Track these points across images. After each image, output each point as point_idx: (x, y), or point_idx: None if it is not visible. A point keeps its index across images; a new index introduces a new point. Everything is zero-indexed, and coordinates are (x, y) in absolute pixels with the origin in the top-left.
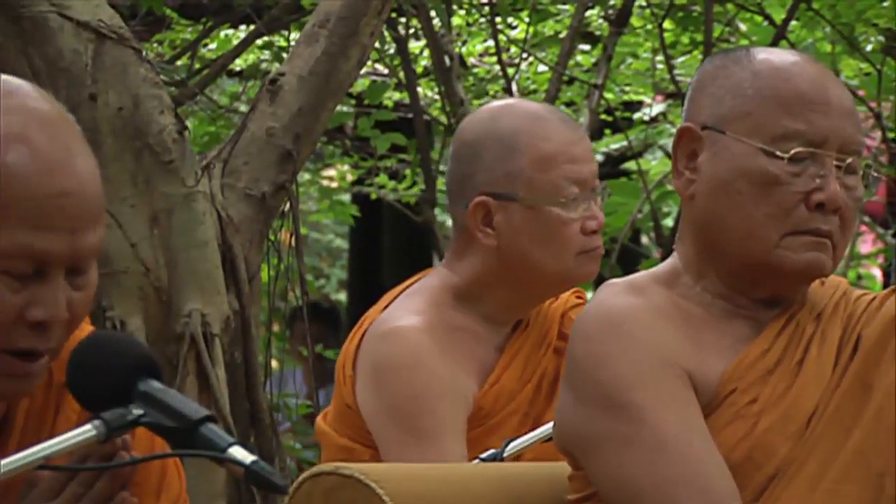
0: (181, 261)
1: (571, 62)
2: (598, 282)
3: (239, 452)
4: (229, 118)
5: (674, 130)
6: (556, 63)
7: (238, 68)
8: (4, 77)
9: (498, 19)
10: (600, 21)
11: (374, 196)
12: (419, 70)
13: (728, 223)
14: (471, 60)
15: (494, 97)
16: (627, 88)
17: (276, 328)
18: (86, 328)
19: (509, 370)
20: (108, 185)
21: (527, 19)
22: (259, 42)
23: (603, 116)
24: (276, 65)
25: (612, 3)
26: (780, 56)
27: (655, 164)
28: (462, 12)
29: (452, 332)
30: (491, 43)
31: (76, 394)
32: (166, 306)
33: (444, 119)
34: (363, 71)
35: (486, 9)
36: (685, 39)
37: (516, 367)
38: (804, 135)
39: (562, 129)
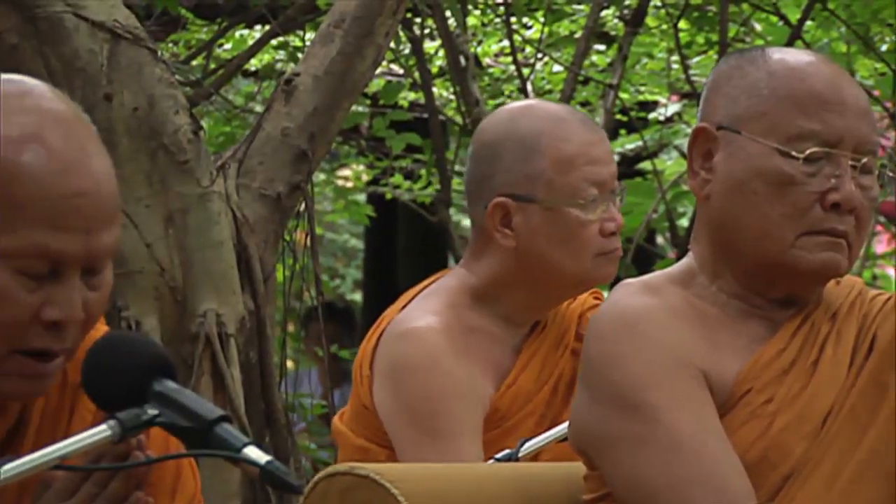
0: (196, 261)
1: (587, 62)
2: (614, 282)
3: (254, 452)
4: (244, 118)
5: (689, 130)
6: (572, 63)
7: (253, 68)
8: (20, 77)
9: (513, 19)
10: (615, 21)
11: (389, 196)
12: (434, 70)
13: (743, 223)
14: (486, 60)
15: (510, 97)
16: (643, 88)
17: (291, 328)
18: (101, 328)
19: (526, 371)
20: (124, 185)
21: (542, 19)
22: (274, 42)
23: (618, 116)
24: (292, 65)
25: (627, 3)
26: (796, 56)
27: (671, 164)
28: (477, 12)
29: (470, 332)
30: (506, 43)
31: (91, 394)
32: (181, 306)
33: (459, 119)
34: (378, 71)
35: (502, 9)
36: (700, 39)
37: (533, 368)
38: (819, 135)
39: (582, 130)
